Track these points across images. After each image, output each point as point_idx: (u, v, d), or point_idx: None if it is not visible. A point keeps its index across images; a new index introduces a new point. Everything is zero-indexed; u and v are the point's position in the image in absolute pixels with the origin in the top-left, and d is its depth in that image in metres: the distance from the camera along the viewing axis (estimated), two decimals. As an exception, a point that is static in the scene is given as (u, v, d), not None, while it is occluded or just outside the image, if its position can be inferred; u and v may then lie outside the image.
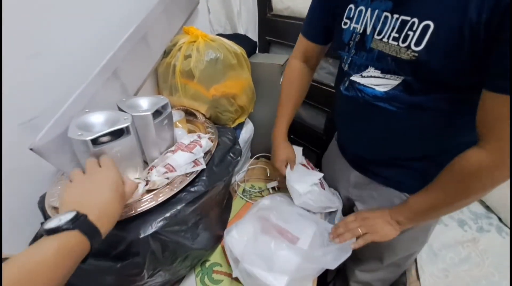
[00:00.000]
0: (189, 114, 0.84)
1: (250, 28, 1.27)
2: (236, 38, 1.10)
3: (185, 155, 0.58)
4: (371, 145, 0.63)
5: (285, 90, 0.80)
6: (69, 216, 0.33)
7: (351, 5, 0.55)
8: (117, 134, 0.52)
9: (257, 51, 1.36)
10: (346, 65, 0.59)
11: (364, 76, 0.54)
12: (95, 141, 0.48)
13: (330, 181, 0.84)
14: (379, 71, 0.51)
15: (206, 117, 0.83)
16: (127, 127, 0.52)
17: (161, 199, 0.52)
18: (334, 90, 1.10)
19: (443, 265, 0.88)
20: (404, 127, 0.54)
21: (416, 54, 0.43)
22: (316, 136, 1.42)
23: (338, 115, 0.71)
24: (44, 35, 0.55)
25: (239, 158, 0.72)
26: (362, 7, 0.52)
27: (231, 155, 0.72)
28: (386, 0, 0.47)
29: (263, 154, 1.15)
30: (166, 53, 0.81)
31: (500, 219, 1.06)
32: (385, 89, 0.51)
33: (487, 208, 1.09)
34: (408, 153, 0.59)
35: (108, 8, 0.67)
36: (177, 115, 0.78)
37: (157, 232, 0.49)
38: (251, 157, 1.16)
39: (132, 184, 0.46)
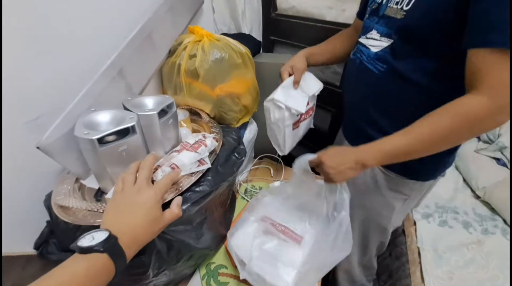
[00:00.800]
0: (194, 113, 0.83)
1: (254, 28, 1.27)
2: (241, 37, 1.10)
3: (190, 154, 0.58)
4: (360, 107, 0.68)
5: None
6: (102, 236, 0.34)
7: None
8: (123, 133, 0.52)
9: (261, 51, 1.36)
10: (361, 31, 0.66)
11: (367, 38, 0.62)
12: (101, 140, 0.48)
13: None
14: (379, 34, 0.59)
15: (210, 117, 0.83)
16: (132, 127, 0.52)
17: (167, 199, 0.52)
18: (340, 90, 1.10)
19: (447, 268, 0.87)
20: (383, 92, 0.60)
21: (405, 13, 0.52)
22: (321, 137, 1.41)
23: (343, 82, 0.73)
24: (50, 34, 0.56)
25: (243, 158, 0.72)
26: None
27: (236, 154, 0.71)
28: None
29: (267, 154, 1.15)
30: (171, 52, 0.81)
31: (505, 221, 1.05)
32: (377, 50, 0.59)
33: (492, 210, 1.08)
34: (386, 120, 0.62)
35: (114, 7, 0.67)
36: (182, 114, 0.78)
37: (163, 231, 0.49)
38: (254, 157, 1.16)
39: (172, 213, 0.44)
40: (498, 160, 1.19)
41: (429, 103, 0.49)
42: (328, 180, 0.57)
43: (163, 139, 0.61)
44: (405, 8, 0.52)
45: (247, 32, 1.19)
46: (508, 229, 1.03)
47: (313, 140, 1.48)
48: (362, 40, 0.64)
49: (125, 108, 0.59)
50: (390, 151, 0.50)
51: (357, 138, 0.69)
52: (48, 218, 0.56)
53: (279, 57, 1.05)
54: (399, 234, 1.03)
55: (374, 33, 0.60)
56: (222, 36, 0.83)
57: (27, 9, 0.51)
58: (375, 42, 0.59)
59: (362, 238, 0.84)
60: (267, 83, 1.02)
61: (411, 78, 0.54)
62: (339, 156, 0.55)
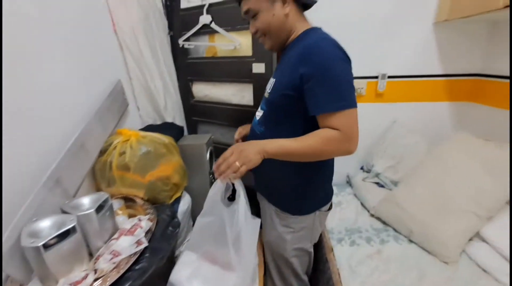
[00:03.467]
0: (129, 200, 0.95)
1: (176, 115, 1.53)
2: (165, 126, 1.33)
3: (128, 238, 0.70)
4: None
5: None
6: None
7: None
8: (64, 235, 0.62)
9: (186, 133, 1.61)
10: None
11: (258, 111, 0.89)
12: (45, 245, 0.57)
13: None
14: (260, 108, 0.87)
15: (144, 200, 0.96)
16: (73, 227, 0.63)
17: (109, 283, 0.61)
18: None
19: (360, 279, 1.09)
20: None
21: (269, 93, 0.81)
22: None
23: None
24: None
25: (177, 229, 0.86)
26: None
27: (171, 228, 0.85)
28: (274, 73, 0.86)
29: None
30: (102, 152, 0.96)
31: (395, 230, 1.38)
32: (258, 118, 0.87)
33: (384, 223, 1.41)
34: (268, 166, 0.80)
35: (50, 127, 0.81)
36: (117, 204, 0.90)
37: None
38: (193, 225, 1.28)
39: None
40: (377, 184, 1.60)
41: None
42: (231, 166, 0.72)
43: (102, 232, 0.72)
44: (268, 91, 0.82)
45: (170, 121, 1.42)
46: (398, 235, 1.34)
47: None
48: (256, 113, 0.92)
49: (64, 212, 0.69)
50: (284, 147, 0.70)
51: (259, 185, 0.95)
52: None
53: (199, 138, 1.30)
54: (324, 261, 1.24)
55: (259, 108, 0.88)
56: (147, 133, 1.03)
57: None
58: (258, 113, 0.88)
59: (276, 268, 1.04)
60: (192, 160, 1.24)
61: (279, 135, 0.75)
62: (247, 144, 0.73)
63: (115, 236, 0.72)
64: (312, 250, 1.03)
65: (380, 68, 1.54)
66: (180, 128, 1.37)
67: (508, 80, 1.33)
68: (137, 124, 1.33)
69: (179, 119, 1.56)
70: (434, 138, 1.57)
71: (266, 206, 0.96)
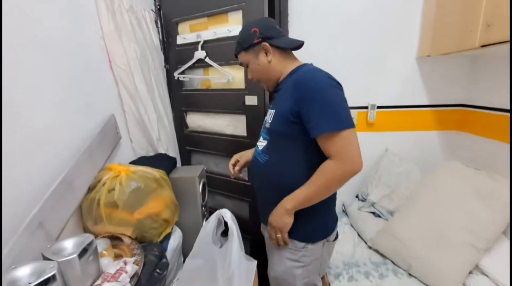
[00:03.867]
0: (115, 238, 0.92)
1: (170, 146, 1.53)
2: (157, 158, 1.32)
3: (111, 285, 0.66)
4: (258, 190, 0.96)
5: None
6: None
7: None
8: (44, 283, 0.59)
9: (179, 163, 1.60)
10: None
11: (259, 141, 0.92)
12: (21, 298, 0.54)
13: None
14: (262, 138, 0.90)
15: (132, 239, 0.92)
16: (53, 276, 0.60)
17: None
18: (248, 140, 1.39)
19: (360, 319, 1.03)
20: (267, 174, 0.87)
21: (270, 123, 0.85)
22: (243, 187, 1.56)
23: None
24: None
25: (165, 272, 0.82)
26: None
27: (158, 270, 0.81)
28: (272, 105, 0.90)
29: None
30: (90, 189, 0.94)
31: (393, 263, 1.33)
32: (261, 148, 0.89)
33: (382, 255, 1.37)
34: (275, 194, 0.86)
35: (38, 164, 0.80)
36: (103, 244, 0.86)
37: None
38: (184, 261, 1.22)
39: None
40: (373, 213, 1.58)
41: (298, 176, 0.80)
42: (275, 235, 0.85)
43: (84, 277, 0.68)
44: (269, 121, 0.86)
45: (163, 152, 1.42)
46: (397, 269, 1.30)
47: (236, 192, 1.62)
48: (257, 143, 0.95)
49: (45, 258, 0.66)
50: (300, 197, 0.78)
51: (264, 216, 0.93)
52: None
53: (191, 170, 1.29)
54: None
55: (261, 138, 0.91)
56: (138, 168, 1.02)
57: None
58: (260, 143, 0.91)
59: None
60: (184, 194, 1.22)
61: (277, 164, 0.85)
62: (275, 217, 0.83)
63: (98, 281, 0.69)
64: (320, 283, 0.99)
65: (369, 99, 1.59)
66: (173, 160, 1.36)
67: (490, 111, 1.38)
68: (129, 156, 1.32)
69: (172, 150, 1.56)
70: (426, 166, 1.59)
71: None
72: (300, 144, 0.80)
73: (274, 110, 0.85)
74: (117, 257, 0.87)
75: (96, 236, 0.95)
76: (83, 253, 0.69)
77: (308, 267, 0.91)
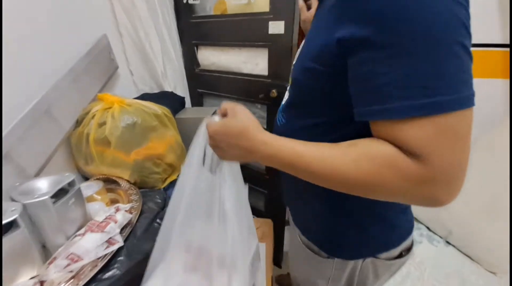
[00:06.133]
0: (111, 182, 0.78)
1: (178, 85, 1.31)
2: (162, 96, 1.12)
3: (95, 236, 0.52)
4: None
5: None
6: None
7: None
8: (5, 230, 0.45)
9: (188, 105, 1.40)
10: None
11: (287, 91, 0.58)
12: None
13: None
14: (288, 90, 0.56)
15: (131, 183, 0.78)
16: (14, 221, 0.45)
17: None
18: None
19: (389, 287, 0.91)
20: None
21: (293, 67, 0.50)
22: (259, 176, 1.44)
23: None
24: None
25: (167, 223, 0.67)
26: None
27: (159, 220, 0.67)
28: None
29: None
30: (78, 122, 0.77)
31: (428, 228, 1.17)
32: (283, 103, 0.57)
33: (416, 219, 1.20)
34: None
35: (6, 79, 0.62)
36: (95, 186, 0.72)
37: None
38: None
39: None
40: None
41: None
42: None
43: (63, 224, 0.54)
44: (294, 62, 0.51)
45: (170, 90, 1.21)
46: (433, 235, 1.14)
47: (252, 182, 1.49)
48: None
49: (12, 199, 0.52)
50: (289, 159, 0.39)
51: (286, 195, 0.66)
52: None
53: (201, 111, 1.09)
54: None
55: (286, 93, 0.57)
56: (135, 100, 0.82)
57: None
58: (286, 96, 0.57)
59: None
60: (192, 137, 1.04)
61: (300, 132, 0.48)
62: (231, 143, 0.44)
63: (82, 230, 0.55)
64: None
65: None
66: (181, 99, 1.16)
67: None
68: (130, 92, 1.13)
69: (181, 90, 1.35)
70: (485, 123, 1.30)
71: (295, 233, 0.66)
72: (332, 111, 0.44)
73: (303, 42, 0.51)
74: (113, 202, 0.74)
75: (89, 178, 0.81)
76: (60, 194, 0.54)
77: (338, 283, 0.62)
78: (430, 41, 0.29)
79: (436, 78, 0.30)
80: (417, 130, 0.31)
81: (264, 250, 0.95)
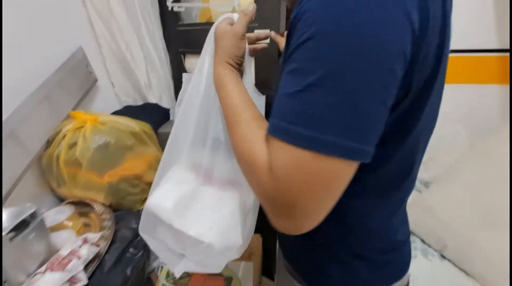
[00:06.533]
0: (85, 205, 0.73)
1: (164, 95, 1.26)
2: (145, 108, 1.08)
3: (55, 276, 0.48)
4: None
5: None
6: None
7: None
8: None
9: (174, 117, 1.35)
10: None
11: None
12: None
13: None
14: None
15: (106, 206, 0.74)
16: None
17: None
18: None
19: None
20: None
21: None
22: None
23: None
24: None
25: (141, 252, 0.63)
26: None
27: (132, 250, 0.63)
28: None
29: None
30: (49, 143, 0.73)
31: (423, 241, 1.14)
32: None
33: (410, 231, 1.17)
34: None
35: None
36: (67, 211, 0.68)
37: None
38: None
39: None
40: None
41: None
42: None
43: (23, 260, 0.50)
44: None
45: (154, 101, 1.17)
46: (428, 248, 1.10)
47: None
48: None
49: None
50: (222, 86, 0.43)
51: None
52: None
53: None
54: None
55: None
56: (110, 118, 0.78)
57: None
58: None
59: None
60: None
61: None
62: (225, 45, 0.46)
63: (43, 268, 0.51)
64: None
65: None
66: (164, 111, 1.12)
67: None
68: (112, 105, 1.08)
69: (167, 100, 1.30)
70: (479, 129, 1.26)
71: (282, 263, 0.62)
72: None
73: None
74: (86, 226, 0.70)
75: (65, 199, 0.77)
76: (21, 227, 0.50)
77: None
78: (338, 79, 0.27)
79: (321, 115, 0.27)
80: (277, 151, 0.30)
81: (252, 270, 0.91)
